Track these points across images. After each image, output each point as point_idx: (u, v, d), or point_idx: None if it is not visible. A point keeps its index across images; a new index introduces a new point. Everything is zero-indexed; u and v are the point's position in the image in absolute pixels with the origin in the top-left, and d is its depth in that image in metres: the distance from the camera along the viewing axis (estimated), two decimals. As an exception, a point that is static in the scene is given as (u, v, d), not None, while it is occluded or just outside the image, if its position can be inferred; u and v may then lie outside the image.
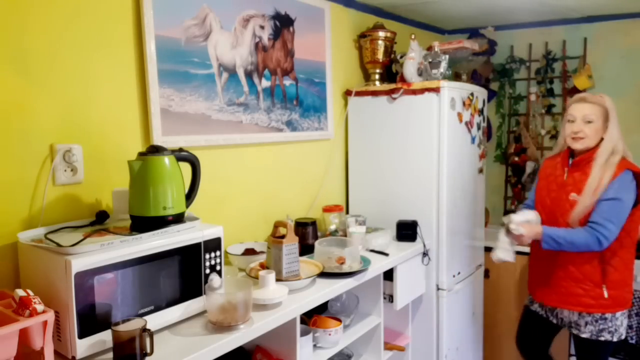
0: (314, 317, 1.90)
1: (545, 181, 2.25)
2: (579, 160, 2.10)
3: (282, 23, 2.24)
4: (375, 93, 2.59)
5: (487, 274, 3.13)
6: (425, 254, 2.36)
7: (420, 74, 2.54)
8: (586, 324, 2.10)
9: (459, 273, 2.63)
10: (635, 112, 3.06)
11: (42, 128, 1.47)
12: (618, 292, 2.06)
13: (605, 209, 1.97)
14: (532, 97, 3.33)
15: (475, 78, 3.26)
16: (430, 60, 2.51)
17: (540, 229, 2.04)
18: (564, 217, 2.10)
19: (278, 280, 1.65)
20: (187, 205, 1.55)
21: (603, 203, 1.98)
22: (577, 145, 2.08)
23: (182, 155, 1.53)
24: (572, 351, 2.85)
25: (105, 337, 1.26)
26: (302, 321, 1.67)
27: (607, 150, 2.04)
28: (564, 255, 2.10)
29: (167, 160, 1.45)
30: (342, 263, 1.89)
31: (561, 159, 2.19)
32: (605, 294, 2.05)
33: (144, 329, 1.23)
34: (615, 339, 2.09)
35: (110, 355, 1.23)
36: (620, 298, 2.07)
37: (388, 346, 2.25)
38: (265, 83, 2.18)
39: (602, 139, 2.07)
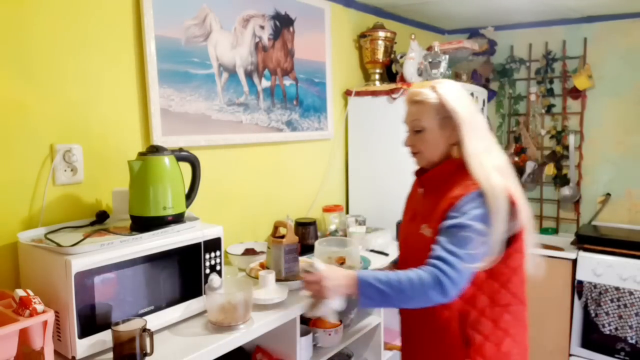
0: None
1: (407, 207, 1.63)
2: (426, 180, 1.48)
3: (282, 23, 2.24)
4: (375, 93, 2.59)
5: (487, 274, 3.12)
6: (424, 254, 2.34)
7: (420, 74, 2.54)
8: None
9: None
10: (635, 112, 3.06)
11: (42, 128, 1.47)
12: None
13: (446, 238, 1.30)
14: (532, 97, 3.33)
15: (475, 78, 3.27)
16: (430, 60, 2.51)
17: (353, 272, 1.32)
18: (414, 260, 1.36)
19: (278, 280, 1.65)
20: (187, 205, 1.55)
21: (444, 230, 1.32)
22: (416, 163, 1.51)
23: (182, 155, 1.53)
24: (572, 351, 2.85)
25: (105, 337, 1.26)
26: (302, 321, 1.67)
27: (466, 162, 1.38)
28: (418, 314, 1.40)
29: (167, 160, 1.45)
30: (342, 263, 1.89)
31: (415, 176, 1.57)
32: None
33: (144, 329, 1.23)
34: None
35: (110, 355, 1.23)
36: None
37: (388, 346, 2.25)
38: (265, 83, 2.18)
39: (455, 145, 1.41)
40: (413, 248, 1.46)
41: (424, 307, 1.31)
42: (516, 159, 3.41)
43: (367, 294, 1.28)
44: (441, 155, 1.43)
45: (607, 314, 2.69)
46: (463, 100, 1.42)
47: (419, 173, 1.53)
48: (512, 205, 1.32)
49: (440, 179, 1.42)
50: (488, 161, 1.36)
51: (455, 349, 1.38)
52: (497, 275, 1.36)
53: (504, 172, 1.36)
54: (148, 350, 1.23)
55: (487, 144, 1.40)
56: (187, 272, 1.46)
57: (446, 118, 1.39)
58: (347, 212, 2.70)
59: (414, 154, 1.48)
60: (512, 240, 1.34)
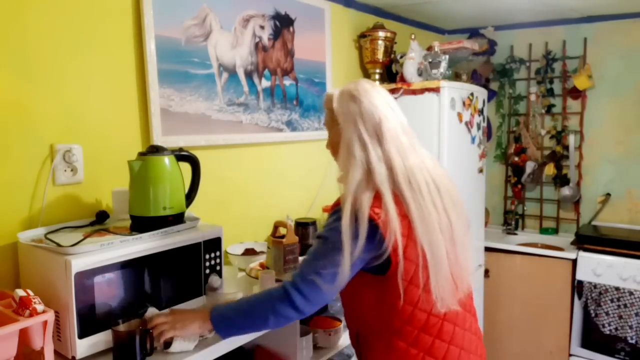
0: (314, 317, 1.90)
1: None
2: None
3: (282, 23, 2.24)
4: (375, 93, 2.59)
5: (487, 273, 3.13)
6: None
7: (420, 74, 2.54)
8: None
9: (458, 273, 2.60)
10: (635, 112, 3.06)
11: (42, 128, 1.47)
12: None
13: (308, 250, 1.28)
14: (532, 97, 3.33)
15: (475, 78, 3.27)
16: (430, 60, 2.51)
17: (204, 310, 1.27)
18: None
19: (278, 280, 1.65)
20: (187, 205, 1.55)
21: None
22: None
23: (182, 155, 1.53)
24: (572, 351, 2.86)
25: (105, 337, 1.26)
26: (302, 321, 1.67)
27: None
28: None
29: (167, 160, 1.45)
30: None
31: None
32: None
33: (144, 329, 1.23)
34: None
35: (110, 355, 1.23)
36: None
37: (388, 346, 2.25)
38: (265, 83, 2.18)
39: None
40: None
41: (283, 324, 1.23)
42: (516, 159, 3.42)
43: (221, 325, 1.23)
44: None
45: (607, 314, 2.70)
46: (345, 101, 1.34)
47: None
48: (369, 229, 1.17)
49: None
50: (358, 172, 1.30)
51: None
52: (385, 299, 1.23)
53: (382, 184, 1.24)
54: (148, 350, 1.23)
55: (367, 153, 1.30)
56: (187, 272, 1.46)
57: (336, 122, 1.35)
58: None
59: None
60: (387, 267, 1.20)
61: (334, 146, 1.38)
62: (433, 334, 1.24)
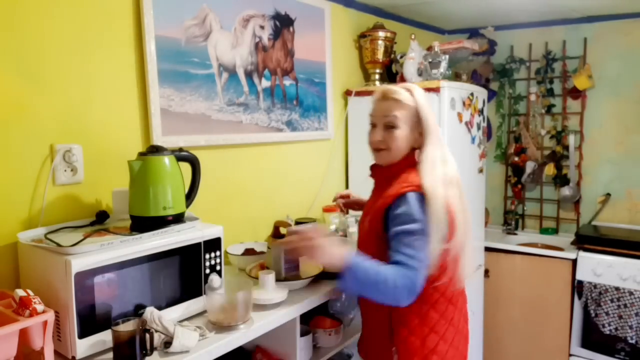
0: (314, 317, 1.90)
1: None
2: (375, 175, 1.59)
3: (282, 23, 2.24)
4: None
5: (486, 273, 3.13)
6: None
7: (420, 74, 2.54)
8: None
9: (458, 273, 2.60)
10: (635, 112, 3.06)
11: (42, 128, 1.47)
12: None
13: (403, 239, 1.35)
14: (532, 97, 3.33)
15: (475, 78, 3.26)
16: (430, 60, 2.51)
17: (343, 249, 1.34)
18: (361, 251, 1.45)
19: (278, 280, 1.65)
20: (187, 205, 1.55)
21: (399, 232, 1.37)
22: (378, 159, 1.56)
23: (182, 155, 1.53)
24: (572, 351, 2.86)
25: (105, 337, 1.26)
26: (302, 321, 1.67)
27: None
28: (362, 301, 1.58)
29: (167, 160, 1.45)
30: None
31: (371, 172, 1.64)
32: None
33: (144, 329, 1.23)
34: None
35: (110, 355, 1.23)
36: None
37: (388, 346, 2.25)
38: (265, 83, 2.18)
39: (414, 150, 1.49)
40: (360, 240, 1.56)
41: (386, 303, 1.38)
42: (516, 159, 3.42)
43: (350, 274, 1.30)
44: (402, 156, 1.49)
45: (607, 314, 2.70)
46: (430, 109, 1.50)
47: (373, 167, 1.62)
48: (450, 218, 1.38)
49: (388, 175, 1.50)
50: (440, 170, 1.43)
51: (384, 338, 1.49)
52: (432, 276, 1.40)
53: (451, 184, 1.44)
54: (148, 350, 1.23)
55: (444, 153, 1.48)
56: (187, 272, 1.46)
57: (416, 123, 1.47)
58: (347, 212, 2.70)
59: (380, 149, 1.51)
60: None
61: (400, 141, 1.47)
62: (457, 306, 1.50)
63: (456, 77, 2.97)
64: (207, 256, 1.51)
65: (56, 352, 1.20)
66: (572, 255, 2.83)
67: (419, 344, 1.44)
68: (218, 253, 1.54)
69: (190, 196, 1.58)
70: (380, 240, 1.43)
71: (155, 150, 1.46)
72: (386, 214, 1.41)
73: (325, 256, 1.34)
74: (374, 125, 1.54)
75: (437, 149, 1.46)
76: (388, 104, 1.49)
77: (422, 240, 1.33)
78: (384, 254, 1.39)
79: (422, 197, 1.37)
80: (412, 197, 1.37)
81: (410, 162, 1.47)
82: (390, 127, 1.48)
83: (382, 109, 1.50)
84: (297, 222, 2.15)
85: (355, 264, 1.31)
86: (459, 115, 2.52)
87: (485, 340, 3.10)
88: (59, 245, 1.25)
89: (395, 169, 1.49)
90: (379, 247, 1.43)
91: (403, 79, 2.57)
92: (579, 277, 2.80)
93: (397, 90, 1.48)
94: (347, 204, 1.97)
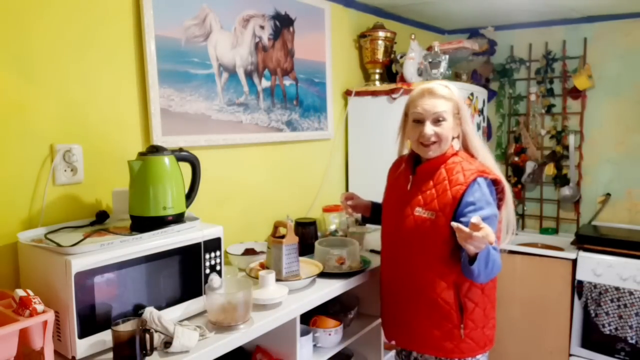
0: (314, 317, 1.90)
1: (392, 193, 1.78)
2: (426, 167, 1.66)
3: (282, 23, 2.24)
4: (375, 93, 2.59)
5: (487, 274, 3.12)
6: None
7: (420, 74, 2.54)
8: None
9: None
10: (635, 112, 3.06)
11: (42, 128, 1.47)
12: (478, 332, 1.66)
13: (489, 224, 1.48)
14: (532, 97, 3.33)
15: (475, 78, 3.26)
16: (430, 60, 2.51)
17: (493, 236, 1.46)
18: (410, 238, 1.63)
19: (278, 280, 1.65)
20: (187, 205, 1.55)
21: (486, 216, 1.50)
22: (430, 153, 1.63)
23: (182, 155, 1.53)
24: (572, 351, 2.85)
25: (105, 337, 1.26)
26: (302, 321, 1.67)
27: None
28: (413, 284, 1.65)
29: (167, 160, 1.45)
30: (342, 263, 1.89)
31: (405, 164, 1.75)
32: (462, 335, 1.63)
33: (144, 329, 1.23)
34: None
35: (110, 355, 1.23)
36: (480, 339, 1.68)
37: (388, 346, 2.25)
38: (265, 83, 2.18)
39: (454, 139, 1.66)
40: (409, 228, 1.63)
41: (478, 281, 1.57)
42: (516, 159, 3.42)
43: (482, 257, 1.45)
44: (449, 146, 1.64)
45: (607, 314, 2.69)
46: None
47: (408, 162, 1.74)
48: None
49: (436, 167, 1.63)
50: (489, 154, 1.66)
51: (451, 316, 1.61)
52: None
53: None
54: (148, 350, 1.23)
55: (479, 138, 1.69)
56: (187, 272, 1.46)
57: (457, 114, 1.63)
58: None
59: (432, 143, 1.61)
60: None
61: (449, 132, 1.61)
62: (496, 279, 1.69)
63: (456, 77, 2.97)
64: (207, 256, 1.51)
65: (56, 352, 1.20)
66: (572, 255, 2.83)
67: (482, 314, 1.66)
68: (218, 253, 1.54)
69: (190, 196, 1.58)
70: (445, 227, 1.54)
71: (155, 150, 1.46)
72: (459, 200, 1.55)
73: (484, 241, 1.42)
74: (419, 122, 1.62)
75: (476, 136, 1.66)
76: (435, 100, 1.61)
77: (496, 220, 1.56)
78: (448, 239, 1.55)
79: (488, 181, 1.57)
80: (482, 182, 1.56)
81: (452, 150, 1.64)
82: (439, 120, 1.60)
83: (432, 104, 1.61)
84: (297, 222, 2.16)
85: (487, 248, 1.44)
86: (459, 115, 2.52)
87: (485, 340, 3.09)
88: (59, 245, 1.25)
89: (443, 159, 1.63)
90: (441, 234, 1.56)
91: (403, 79, 2.57)
92: (579, 277, 2.80)
93: (439, 87, 1.63)
94: (354, 206, 2.04)
